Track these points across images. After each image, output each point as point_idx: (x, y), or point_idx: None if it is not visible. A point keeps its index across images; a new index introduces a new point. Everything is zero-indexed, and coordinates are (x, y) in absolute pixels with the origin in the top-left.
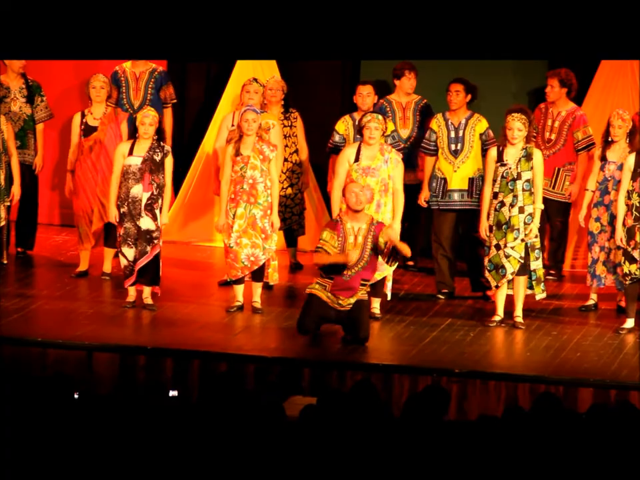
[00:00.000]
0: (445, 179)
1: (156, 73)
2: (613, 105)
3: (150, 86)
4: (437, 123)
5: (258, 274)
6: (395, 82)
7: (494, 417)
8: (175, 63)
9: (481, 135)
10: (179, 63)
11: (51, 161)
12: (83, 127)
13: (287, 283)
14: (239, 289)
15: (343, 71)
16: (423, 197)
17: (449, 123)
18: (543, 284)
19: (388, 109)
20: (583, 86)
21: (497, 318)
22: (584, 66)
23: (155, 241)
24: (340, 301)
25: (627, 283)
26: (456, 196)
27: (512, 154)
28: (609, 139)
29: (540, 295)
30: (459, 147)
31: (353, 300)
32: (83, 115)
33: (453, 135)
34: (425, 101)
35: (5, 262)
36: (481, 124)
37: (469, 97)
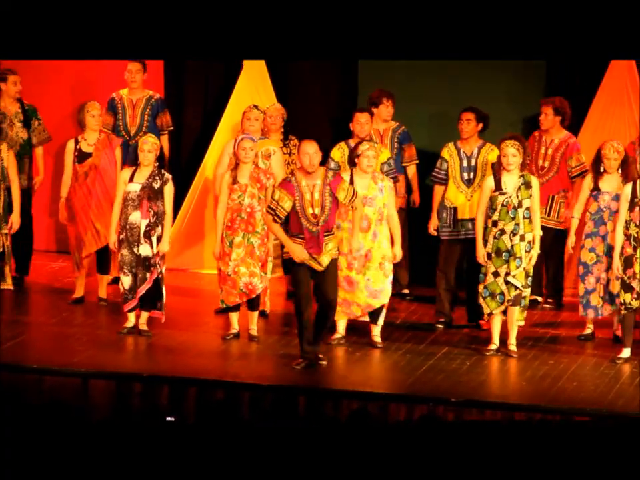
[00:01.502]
0: (455, 209)
1: (152, 100)
2: (610, 134)
3: (146, 113)
4: (448, 151)
5: (254, 302)
6: (373, 109)
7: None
8: (173, 62)
9: (493, 164)
10: (176, 62)
11: (47, 187)
12: (76, 153)
13: (283, 310)
14: (235, 317)
15: (340, 96)
16: (432, 225)
17: (461, 152)
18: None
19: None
20: (580, 115)
21: (493, 347)
22: (581, 95)
23: (153, 268)
24: (319, 260)
25: (623, 312)
26: (470, 225)
27: (510, 182)
28: (601, 170)
29: (521, 322)
30: (471, 176)
31: (327, 259)
32: (77, 142)
33: (465, 164)
34: (403, 127)
35: (12, 288)
36: (493, 153)
37: (480, 125)
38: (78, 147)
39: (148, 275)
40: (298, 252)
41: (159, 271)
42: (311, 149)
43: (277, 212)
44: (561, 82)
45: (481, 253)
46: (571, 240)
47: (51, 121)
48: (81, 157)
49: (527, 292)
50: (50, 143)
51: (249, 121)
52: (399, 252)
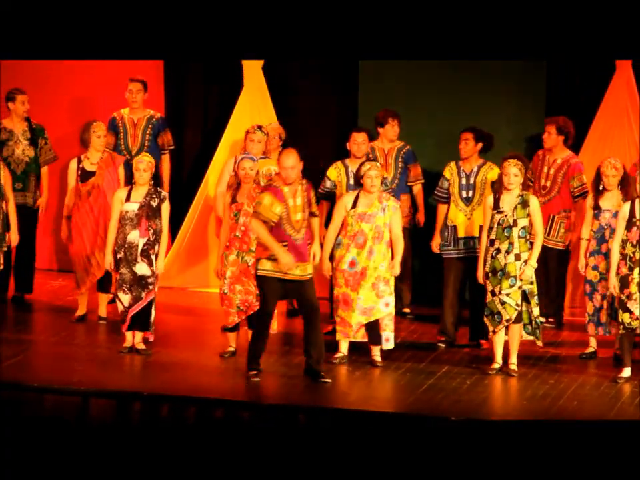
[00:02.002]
0: (455, 227)
1: (153, 119)
2: (610, 154)
3: (147, 132)
4: (449, 170)
5: (252, 321)
6: (379, 129)
7: None
8: (173, 62)
9: (492, 182)
10: (176, 62)
11: (50, 206)
12: (79, 172)
13: (283, 329)
14: (232, 336)
15: (340, 116)
16: (435, 244)
17: (461, 171)
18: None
19: (371, 156)
20: (580, 135)
21: (496, 365)
22: (581, 115)
23: (150, 287)
24: (298, 269)
25: (621, 332)
26: (470, 243)
27: (508, 201)
28: (601, 188)
29: (540, 341)
30: (470, 195)
31: (309, 269)
32: (80, 161)
33: (464, 182)
34: (409, 147)
35: None
36: (492, 172)
37: (480, 145)
38: (81, 165)
39: (143, 294)
40: (288, 260)
41: (154, 290)
42: (289, 163)
43: (270, 217)
44: (562, 101)
45: (480, 272)
46: (581, 262)
47: (54, 140)
48: (84, 175)
49: (537, 311)
50: (53, 163)
51: (252, 143)
52: (396, 269)
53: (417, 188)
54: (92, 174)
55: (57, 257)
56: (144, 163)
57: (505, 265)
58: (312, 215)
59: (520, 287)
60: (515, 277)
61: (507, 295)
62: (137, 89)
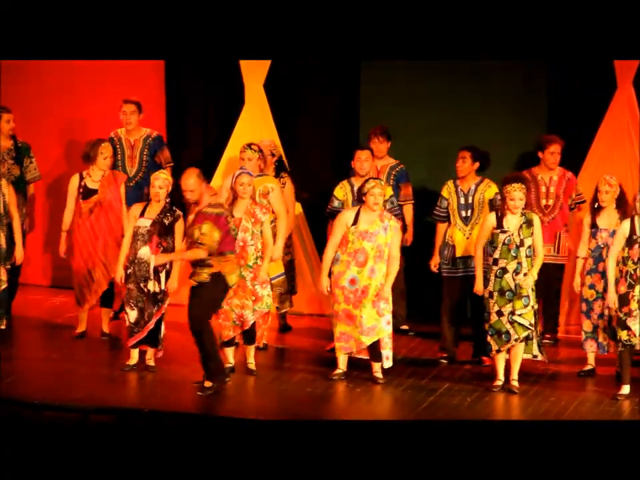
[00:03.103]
0: (454, 246)
1: (150, 139)
2: (611, 172)
3: (145, 153)
4: (447, 189)
5: (250, 336)
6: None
7: None
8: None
9: (490, 200)
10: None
11: (42, 223)
12: (81, 189)
13: (275, 344)
14: (229, 351)
15: (341, 132)
16: (433, 263)
17: (459, 190)
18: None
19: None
20: (581, 153)
21: (498, 382)
22: (582, 132)
23: (160, 304)
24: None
25: (620, 349)
26: (469, 262)
27: (512, 221)
28: (597, 205)
29: (544, 357)
30: (469, 214)
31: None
32: (82, 177)
33: (462, 201)
34: (402, 166)
35: (3, 327)
36: (490, 190)
37: (477, 164)
38: (83, 182)
39: (155, 310)
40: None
41: (164, 307)
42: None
43: (209, 245)
44: (563, 118)
45: (479, 286)
46: (576, 280)
47: (42, 158)
48: (86, 193)
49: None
50: (44, 180)
51: (243, 161)
52: (388, 291)
53: (407, 208)
54: (94, 192)
55: (52, 273)
56: (160, 180)
57: (516, 285)
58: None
59: (533, 307)
60: (528, 296)
61: (520, 315)
62: (130, 110)
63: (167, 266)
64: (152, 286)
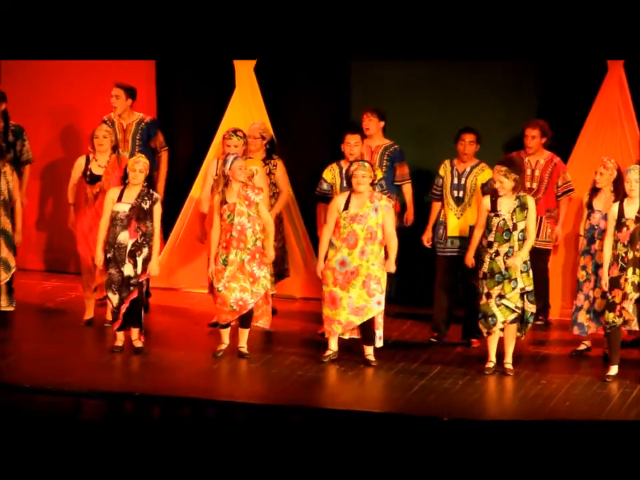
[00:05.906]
0: (446, 225)
1: (143, 123)
2: (602, 154)
3: (137, 137)
4: (444, 168)
5: (245, 319)
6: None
7: None
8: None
9: (482, 184)
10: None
11: (35, 207)
12: (88, 173)
13: (270, 329)
14: (225, 332)
15: (332, 117)
16: (426, 238)
17: (454, 169)
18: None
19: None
20: (572, 135)
21: (490, 364)
22: (573, 115)
23: (132, 288)
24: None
25: (607, 330)
26: (458, 242)
27: (506, 204)
28: (595, 187)
29: (523, 336)
30: (460, 195)
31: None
32: (88, 160)
33: (456, 182)
34: (397, 146)
35: (13, 309)
36: (484, 173)
37: (478, 146)
38: (89, 167)
39: (126, 294)
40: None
41: (140, 291)
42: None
43: None
44: (553, 102)
45: (470, 260)
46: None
47: (35, 143)
48: (92, 179)
49: (532, 308)
50: (36, 164)
51: (229, 148)
52: (391, 266)
53: (406, 187)
54: (99, 178)
55: (44, 256)
56: (140, 164)
57: (506, 268)
58: None
59: (522, 289)
60: (516, 279)
61: (508, 298)
62: (116, 94)
63: (145, 250)
64: (127, 269)
